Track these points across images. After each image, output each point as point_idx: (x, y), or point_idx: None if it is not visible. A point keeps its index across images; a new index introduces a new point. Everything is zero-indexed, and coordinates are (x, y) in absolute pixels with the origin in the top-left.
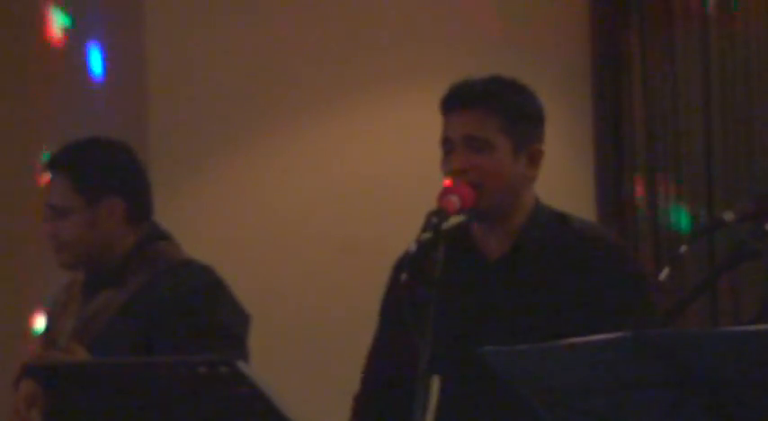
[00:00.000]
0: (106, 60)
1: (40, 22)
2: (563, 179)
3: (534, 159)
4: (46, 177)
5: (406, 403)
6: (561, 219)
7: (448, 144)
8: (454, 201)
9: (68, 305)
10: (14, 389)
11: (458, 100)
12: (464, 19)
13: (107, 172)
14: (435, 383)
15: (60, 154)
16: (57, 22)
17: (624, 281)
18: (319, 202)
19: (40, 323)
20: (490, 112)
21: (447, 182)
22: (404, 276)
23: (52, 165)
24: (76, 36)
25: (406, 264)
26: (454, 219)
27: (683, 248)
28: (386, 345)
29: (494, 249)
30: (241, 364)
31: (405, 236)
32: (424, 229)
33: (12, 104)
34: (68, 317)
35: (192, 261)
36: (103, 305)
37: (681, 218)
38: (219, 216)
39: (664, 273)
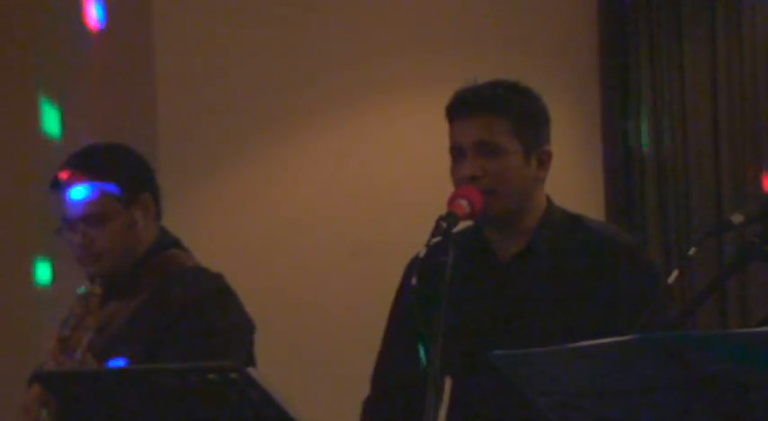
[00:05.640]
0: (114, 63)
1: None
2: (572, 180)
3: (544, 161)
4: (63, 190)
5: (416, 407)
6: (573, 219)
7: (458, 151)
8: (464, 205)
9: (85, 318)
10: (27, 387)
11: (466, 106)
12: (475, 24)
13: (133, 171)
14: (446, 386)
15: (79, 162)
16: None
17: (637, 280)
18: (330, 206)
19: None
20: (499, 117)
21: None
22: (413, 281)
23: (72, 175)
24: None
25: (416, 268)
26: (464, 224)
27: (692, 250)
28: (395, 350)
29: (506, 250)
30: (251, 370)
31: (415, 240)
32: (434, 234)
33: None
34: (85, 329)
35: (202, 268)
36: (114, 313)
37: None
38: (229, 220)
39: (673, 276)
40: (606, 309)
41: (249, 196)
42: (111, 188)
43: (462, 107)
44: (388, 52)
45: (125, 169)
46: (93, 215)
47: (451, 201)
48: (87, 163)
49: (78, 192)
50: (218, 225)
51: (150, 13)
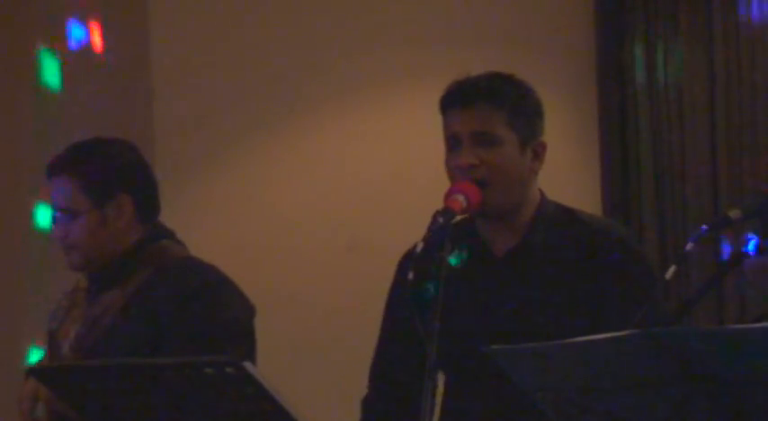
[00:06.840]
0: (111, 59)
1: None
2: (569, 177)
3: (538, 153)
4: (49, 181)
5: (414, 404)
6: (568, 213)
7: (454, 140)
8: (461, 200)
9: (72, 310)
10: (24, 381)
11: (463, 96)
12: (473, 19)
13: (112, 171)
14: (441, 380)
15: (63, 156)
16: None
17: (631, 273)
18: (326, 201)
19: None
20: (496, 108)
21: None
22: (410, 276)
23: (55, 168)
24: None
25: (413, 263)
26: (460, 218)
27: (689, 246)
28: (392, 347)
29: (501, 245)
30: (247, 365)
31: (411, 235)
32: (431, 228)
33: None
34: (72, 322)
35: (195, 259)
36: (106, 306)
37: None
38: (225, 215)
39: (670, 272)
40: (600, 303)
41: (245, 191)
42: (82, 185)
43: (459, 97)
44: (384, 48)
45: (101, 169)
46: (64, 209)
47: (448, 195)
48: (68, 158)
49: (56, 185)
50: (213, 220)
51: (146, 6)
